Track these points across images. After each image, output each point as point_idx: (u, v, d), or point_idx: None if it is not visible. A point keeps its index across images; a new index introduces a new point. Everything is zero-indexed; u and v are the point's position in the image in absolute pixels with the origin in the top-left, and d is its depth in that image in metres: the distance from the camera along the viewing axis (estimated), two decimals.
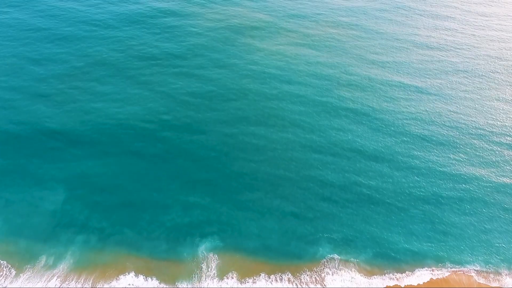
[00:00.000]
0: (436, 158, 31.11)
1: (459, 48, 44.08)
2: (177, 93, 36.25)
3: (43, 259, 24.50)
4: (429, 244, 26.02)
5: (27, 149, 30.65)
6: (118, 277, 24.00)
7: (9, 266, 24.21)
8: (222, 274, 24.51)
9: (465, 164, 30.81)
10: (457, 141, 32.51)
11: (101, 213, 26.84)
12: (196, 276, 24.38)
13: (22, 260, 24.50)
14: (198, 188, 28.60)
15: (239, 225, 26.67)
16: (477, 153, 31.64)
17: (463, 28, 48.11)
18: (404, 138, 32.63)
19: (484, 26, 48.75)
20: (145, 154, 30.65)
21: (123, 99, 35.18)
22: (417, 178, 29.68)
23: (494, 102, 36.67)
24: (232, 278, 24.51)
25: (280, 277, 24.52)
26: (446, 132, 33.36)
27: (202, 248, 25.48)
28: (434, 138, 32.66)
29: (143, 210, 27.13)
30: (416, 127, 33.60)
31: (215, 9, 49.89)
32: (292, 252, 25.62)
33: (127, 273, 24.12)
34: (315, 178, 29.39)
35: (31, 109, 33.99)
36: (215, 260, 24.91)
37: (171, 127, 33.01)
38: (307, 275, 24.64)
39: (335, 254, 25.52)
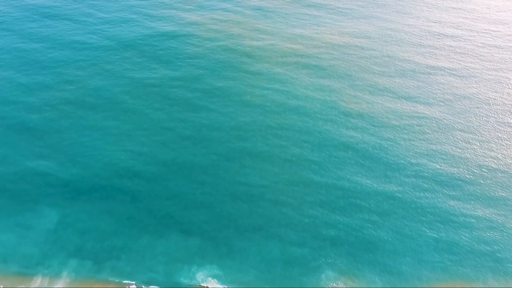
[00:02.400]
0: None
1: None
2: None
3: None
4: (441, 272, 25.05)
5: None
6: None
7: None
8: None
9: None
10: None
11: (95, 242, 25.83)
12: None
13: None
14: (196, 213, 27.59)
15: (240, 253, 25.69)
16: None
17: None
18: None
19: (490, 39, 48.08)
20: (144, 177, 29.43)
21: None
22: (424, 203, 28.53)
23: None
24: None
25: None
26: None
27: (201, 277, 24.47)
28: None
29: (138, 237, 26.06)
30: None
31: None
32: (295, 280, 24.70)
33: None
34: (317, 201, 28.35)
35: None
36: None
37: (168, 149, 31.90)
38: None
39: (339, 282, 24.77)
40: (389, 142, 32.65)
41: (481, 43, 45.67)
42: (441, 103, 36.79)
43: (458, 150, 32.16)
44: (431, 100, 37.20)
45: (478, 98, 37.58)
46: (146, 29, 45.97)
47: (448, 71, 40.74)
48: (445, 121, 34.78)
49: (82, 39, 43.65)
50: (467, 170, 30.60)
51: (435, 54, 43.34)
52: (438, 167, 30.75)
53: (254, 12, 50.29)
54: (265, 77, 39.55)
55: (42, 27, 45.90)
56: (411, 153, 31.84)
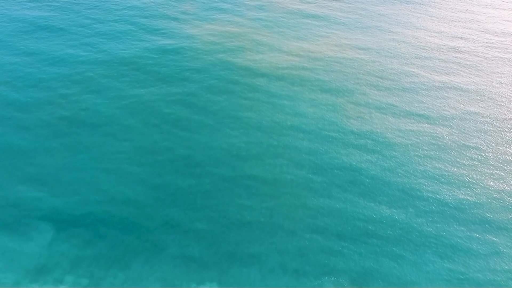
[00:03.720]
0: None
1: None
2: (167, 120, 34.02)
3: None
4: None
5: None
6: None
7: None
8: None
9: None
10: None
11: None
12: None
13: None
14: (192, 239, 26.03)
15: (238, 283, 24.14)
16: None
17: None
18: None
19: (493, 46, 47.05)
20: (140, 201, 27.88)
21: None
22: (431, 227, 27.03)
23: None
24: None
25: None
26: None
27: None
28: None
29: (134, 255, 24.54)
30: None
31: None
32: None
33: None
34: (321, 228, 26.90)
35: None
36: None
37: (164, 170, 30.35)
38: None
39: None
40: (394, 163, 31.24)
41: (487, 54, 44.49)
42: (449, 119, 35.44)
43: (469, 171, 30.84)
44: (438, 115, 35.69)
45: (488, 114, 36.19)
46: (144, 42, 44.74)
47: (456, 84, 39.48)
48: (454, 138, 33.50)
49: (77, 52, 42.39)
50: (478, 193, 29.23)
51: (441, 67, 42.09)
52: (449, 190, 29.38)
53: (254, 23, 49.17)
54: (265, 91, 38.11)
55: (35, 39, 44.65)
56: (419, 174, 30.37)
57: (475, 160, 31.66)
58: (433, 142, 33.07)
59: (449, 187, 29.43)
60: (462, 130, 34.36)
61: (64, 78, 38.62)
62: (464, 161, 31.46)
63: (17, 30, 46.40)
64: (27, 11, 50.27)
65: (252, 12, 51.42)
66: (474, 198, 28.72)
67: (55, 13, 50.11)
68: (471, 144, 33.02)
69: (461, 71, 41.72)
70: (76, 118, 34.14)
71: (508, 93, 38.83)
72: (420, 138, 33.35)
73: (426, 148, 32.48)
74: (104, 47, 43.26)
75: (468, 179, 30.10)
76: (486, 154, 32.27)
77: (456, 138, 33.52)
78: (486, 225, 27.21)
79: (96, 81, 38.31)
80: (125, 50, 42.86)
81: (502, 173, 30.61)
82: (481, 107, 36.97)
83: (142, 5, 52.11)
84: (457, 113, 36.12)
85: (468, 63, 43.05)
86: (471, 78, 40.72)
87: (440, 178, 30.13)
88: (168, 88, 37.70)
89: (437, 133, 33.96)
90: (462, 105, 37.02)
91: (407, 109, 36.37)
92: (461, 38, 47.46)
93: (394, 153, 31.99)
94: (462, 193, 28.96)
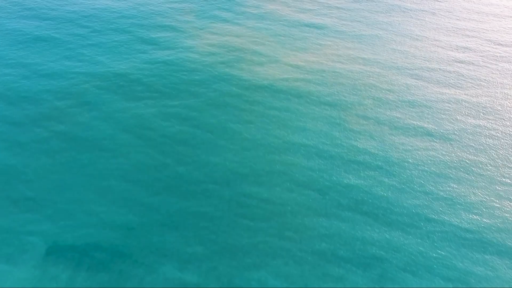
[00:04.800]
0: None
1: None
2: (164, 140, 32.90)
3: None
4: None
5: None
6: None
7: None
8: None
9: None
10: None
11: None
12: None
13: None
14: (188, 262, 24.89)
15: None
16: None
17: None
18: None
19: (500, 56, 46.14)
20: (137, 229, 26.71)
21: None
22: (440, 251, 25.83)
23: None
24: None
25: None
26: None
27: None
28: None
29: (126, 280, 24.79)
30: None
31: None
32: None
33: None
34: (324, 249, 25.67)
35: None
36: None
37: (160, 185, 29.21)
38: None
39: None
40: (398, 180, 30.17)
41: (493, 65, 43.48)
42: (454, 133, 34.40)
43: (477, 189, 29.75)
44: (443, 129, 34.65)
45: (494, 127, 35.10)
46: (140, 52, 43.75)
47: (460, 96, 38.47)
48: (460, 153, 32.45)
49: (72, 63, 41.39)
50: (488, 213, 28.10)
51: (445, 78, 41.10)
52: (457, 209, 28.27)
53: (254, 32, 48.20)
54: (264, 104, 36.95)
55: (29, 49, 43.62)
56: (424, 192, 29.28)
57: (482, 177, 30.60)
58: (439, 157, 32.00)
59: (457, 207, 28.35)
60: (468, 144, 33.30)
61: (59, 90, 37.61)
62: (471, 177, 30.43)
63: (10, 40, 45.39)
64: (21, 20, 49.31)
65: (252, 21, 50.51)
66: (485, 218, 27.65)
67: (50, 22, 49.16)
68: (477, 159, 31.97)
69: (465, 82, 40.71)
70: (71, 133, 33.11)
71: None
72: (425, 152, 32.30)
73: (432, 164, 31.43)
74: (100, 58, 42.24)
75: (476, 198, 29.05)
76: (494, 170, 31.23)
77: (462, 153, 32.47)
78: (501, 249, 26.19)
79: (91, 93, 37.31)
80: (121, 61, 41.86)
81: None
82: (488, 120, 35.92)
83: (139, 13, 51.19)
84: (463, 127, 35.05)
85: (472, 73, 42.04)
86: (476, 89, 39.67)
87: (447, 196, 29.06)
88: (165, 101, 36.66)
89: (442, 147, 32.91)
90: (467, 118, 35.99)
91: (411, 122, 35.32)
92: (465, 48, 46.44)
93: (398, 169, 30.93)
94: (471, 213, 27.89)
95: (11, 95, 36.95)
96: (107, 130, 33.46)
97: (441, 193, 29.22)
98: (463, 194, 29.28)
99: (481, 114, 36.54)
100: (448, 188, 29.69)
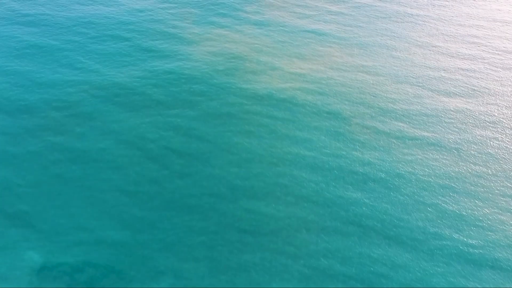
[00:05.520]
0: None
1: None
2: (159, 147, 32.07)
3: None
4: None
5: None
6: None
7: None
8: None
9: None
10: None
11: None
12: None
13: None
14: (186, 280, 23.72)
15: None
16: None
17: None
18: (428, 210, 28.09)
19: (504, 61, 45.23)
20: (124, 243, 25.91)
21: None
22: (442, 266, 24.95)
23: None
24: None
25: None
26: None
27: None
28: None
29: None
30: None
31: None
32: None
33: None
34: (326, 267, 24.64)
35: None
36: None
37: (158, 200, 28.29)
38: None
39: None
40: (403, 194, 29.34)
41: (499, 73, 42.73)
42: (460, 144, 33.66)
43: (484, 202, 28.97)
44: (448, 140, 33.82)
45: (502, 138, 34.36)
46: (138, 60, 43.10)
47: (465, 106, 37.76)
48: (466, 166, 31.63)
49: (69, 71, 40.73)
50: (496, 230, 27.32)
51: (449, 87, 40.40)
52: (465, 226, 27.49)
53: (254, 39, 47.55)
54: (265, 114, 36.07)
55: (24, 57, 42.96)
56: (430, 207, 28.44)
57: (488, 188, 29.81)
58: (443, 168, 31.20)
59: (462, 220, 27.54)
60: (473, 155, 32.50)
61: (55, 99, 36.93)
62: (477, 189, 29.63)
63: (6, 47, 44.76)
64: (17, 26, 48.71)
65: (252, 27, 49.88)
66: (490, 233, 26.84)
67: (46, 28, 48.55)
68: (484, 170, 31.19)
69: (470, 90, 39.99)
70: (67, 144, 32.37)
71: None
72: (429, 163, 31.53)
73: (436, 176, 30.65)
74: (97, 66, 41.56)
75: (482, 211, 28.24)
76: (501, 181, 30.45)
77: (468, 164, 31.69)
78: (509, 265, 25.37)
79: (88, 102, 36.63)
80: (118, 69, 41.23)
81: None
82: (494, 130, 35.12)
83: (137, 20, 50.56)
84: (468, 137, 34.26)
85: (477, 82, 41.31)
86: (482, 98, 38.87)
87: (452, 209, 28.27)
88: (163, 111, 35.95)
89: (447, 158, 32.12)
90: (472, 128, 35.21)
91: (414, 132, 34.54)
92: (470, 55, 45.68)
93: (401, 181, 30.14)
94: (476, 227, 27.09)
95: (6, 104, 36.26)
96: (104, 141, 32.73)
97: (446, 206, 28.44)
98: (468, 207, 28.49)
99: (487, 123, 35.77)
100: (453, 201, 28.91)
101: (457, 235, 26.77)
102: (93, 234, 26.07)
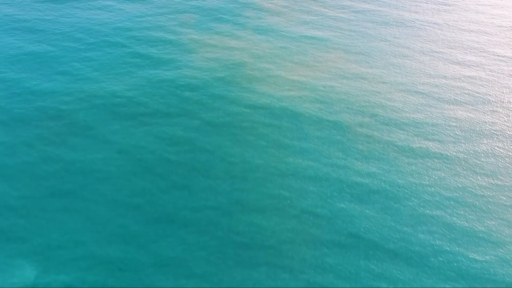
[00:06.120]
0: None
1: None
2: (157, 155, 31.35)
3: None
4: None
5: None
6: None
7: None
8: None
9: None
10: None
11: None
12: None
13: None
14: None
15: None
16: None
17: None
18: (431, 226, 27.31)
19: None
20: (121, 269, 25.20)
21: None
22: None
23: None
24: None
25: None
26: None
27: None
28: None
29: None
30: None
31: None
32: None
33: None
34: (326, 282, 23.72)
35: None
36: None
37: (155, 221, 27.51)
38: None
39: None
40: (407, 206, 28.60)
41: (505, 82, 42.05)
42: (464, 153, 32.95)
43: (490, 214, 28.23)
44: (453, 150, 33.22)
45: (507, 147, 33.66)
46: (135, 67, 42.41)
47: (470, 115, 37.07)
48: (476, 179, 30.95)
49: (64, 80, 40.07)
50: (506, 249, 26.56)
51: (452, 95, 39.73)
52: (471, 244, 26.75)
53: (254, 45, 46.92)
54: (266, 124, 35.42)
55: (16, 65, 42.29)
56: (436, 220, 27.79)
57: (494, 200, 29.09)
58: (447, 179, 30.50)
59: (467, 235, 26.82)
60: (479, 166, 31.80)
61: (50, 107, 36.26)
62: (482, 201, 28.91)
63: (0, 53, 44.06)
64: (12, 32, 48.07)
65: (252, 33, 49.32)
66: (498, 248, 26.13)
67: (42, 34, 47.93)
68: (490, 182, 30.46)
69: (474, 99, 39.32)
70: (62, 155, 31.66)
71: None
72: (432, 173, 30.82)
73: (441, 188, 29.93)
74: (94, 74, 40.91)
75: (488, 224, 27.52)
76: (509, 194, 29.71)
77: (473, 175, 30.98)
78: None
79: (84, 112, 35.97)
80: (116, 77, 40.59)
81: None
82: (499, 139, 34.43)
83: (136, 26, 49.91)
84: (473, 147, 33.57)
85: (482, 90, 40.64)
86: (486, 106, 38.16)
87: (457, 223, 27.52)
88: (161, 120, 35.26)
89: (451, 169, 31.40)
90: (476, 137, 34.53)
91: (417, 141, 33.85)
92: (474, 62, 45.00)
93: (404, 192, 29.38)
94: (482, 241, 26.38)
95: (0, 113, 35.58)
96: (100, 151, 32.02)
97: (451, 218, 27.70)
98: (474, 219, 27.76)
99: (492, 132, 35.08)
100: (458, 213, 28.17)
101: (463, 249, 26.03)
102: (88, 249, 25.33)
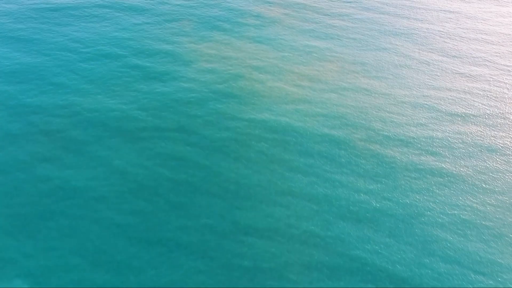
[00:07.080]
0: None
1: None
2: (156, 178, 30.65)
3: None
4: None
5: None
6: None
7: None
8: None
9: None
10: None
11: None
12: None
13: None
14: None
15: None
16: None
17: None
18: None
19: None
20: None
21: None
22: None
23: None
24: None
25: None
26: None
27: None
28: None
29: None
30: None
31: None
32: None
33: None
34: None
35: None
36: None
37: (149, 244, 26.38)
38: None
39: None
40: (410, 213, 27.60)
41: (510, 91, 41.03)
42: (468, 160, 31.85)
43: (495, 223, 27.09)
44: (457, 157, 32.15)
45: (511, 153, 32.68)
46: (132, 78, 41.31)
47: (476, 120, 35.98)
48: (479, 185, 29.84)
49: (59, 94, 38.94)
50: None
51: (458, 100, 38.64)
52: (486, 270, 25.62)
53: (254, 50, 45.88)
54: (267, 131, 34.29)
55: (10, 78, 41.14)
56: (441, 229, 26.70)
57: (508, 222, 27.98)
58: (456, 199, 29.37)
59: (483, 262, 25.70)
60: (488, 182, 30.71)
61: (42, 123, 35.13)
62: (495, 223, 27.79)
63: None
64: (4, 43, 46.99)
65: (251, 42, 48.26)
66: (502, 260, 25.00)
67: (35, 45, 46.84)
68: (502, 200, 29.35)
69: (481, 112, 38.21)
70: (56, 174, 30.54)
71: None
72: (440, 192, 29.72)
73: (449, 197, 28.82)
74: (88, 87, 39.81)
75: (504, 249, 26.43)
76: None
77: (484, 195, 29.85)
78: None
79: (78, 127, 34.87)
80: (111, 90, 39.51)
81: None
82: (508, 155, 33.38)
83: (132, 36, 48.82)
84: (481, 163, 32.46)
85: (488, 102, 39.57)
86: (494, 120, 37.02)
87: (471, 250, 26.39)
88: (157, 136, 34.15)
89: (459, 187, 30.30)
90: (485, 153, 33.40)
91: (423, 159, 32.74)
92: (480, 73, 43.92)
93: (412, 212, 28.28)
94: (499, 269, 25.25)
95: None
96: (94, 168, 30.89)
97: (461, 240, 26.58)
98: (487, 241, 26.64)
99: (499, 147, 33.98)
100: (469, 236, 27.04)
101: (478, 276, 24.91)
102: (80, 275, 24.19)
